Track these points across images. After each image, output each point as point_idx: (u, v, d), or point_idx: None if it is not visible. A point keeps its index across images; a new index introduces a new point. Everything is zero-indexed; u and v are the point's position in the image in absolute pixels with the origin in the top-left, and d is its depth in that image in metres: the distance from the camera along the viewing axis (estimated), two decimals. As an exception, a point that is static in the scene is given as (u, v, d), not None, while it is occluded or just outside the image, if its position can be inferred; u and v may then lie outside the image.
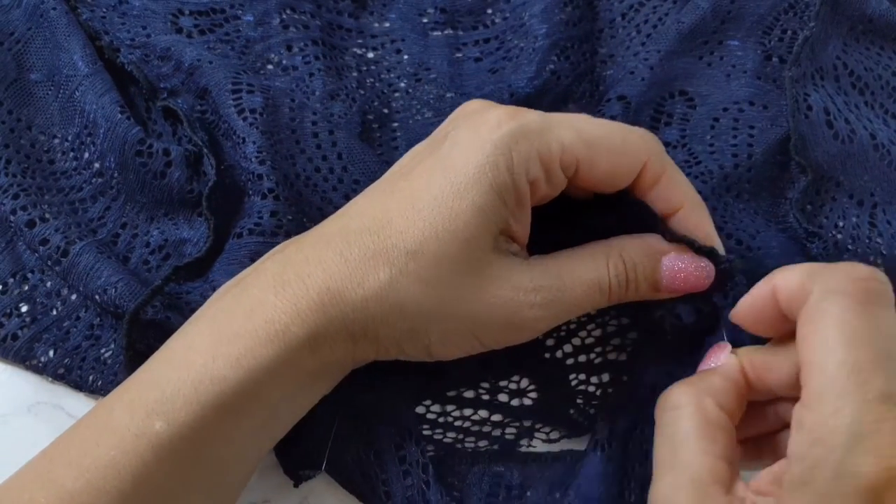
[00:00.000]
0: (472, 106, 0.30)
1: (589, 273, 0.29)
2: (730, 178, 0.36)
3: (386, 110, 0.39)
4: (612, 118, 0.37)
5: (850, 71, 0.39)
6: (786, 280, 0.26)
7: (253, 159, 0.35)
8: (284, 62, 0.39)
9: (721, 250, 0.30)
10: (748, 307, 0.28)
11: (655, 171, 0.29)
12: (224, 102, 0.36)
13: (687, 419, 0.26)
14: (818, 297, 0.24)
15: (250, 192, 0.35)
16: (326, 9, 0.41)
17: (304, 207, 0.35)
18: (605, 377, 0.34)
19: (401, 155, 0.38)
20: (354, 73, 0.40)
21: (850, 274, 0.24)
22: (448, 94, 0.39)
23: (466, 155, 0.28)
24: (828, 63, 0.38)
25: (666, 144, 0.37)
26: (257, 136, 0.35)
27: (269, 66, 0.39)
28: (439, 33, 0.41)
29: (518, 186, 0.28)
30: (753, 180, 0.36)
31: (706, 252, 0.30)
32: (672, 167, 0.30)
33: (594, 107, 0.38)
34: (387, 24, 0.41)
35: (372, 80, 0.40)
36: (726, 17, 0.39)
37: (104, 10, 0.39)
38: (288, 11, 0.40)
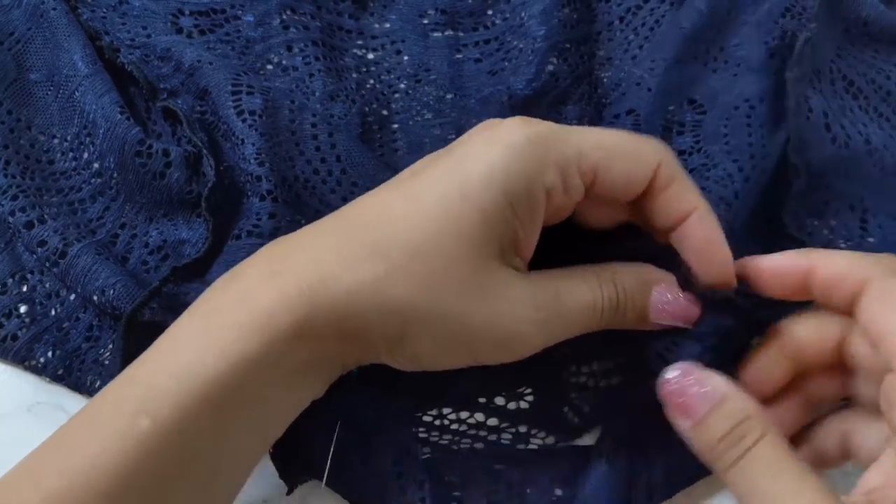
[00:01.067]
0: (489, 122, 0.30)
1: (585, 295, 0.28)
2: (751, 179, 0.35)
3: (386, 112, 0.39)
4: None
5: (843, 75, 0.38)
6: (830, 263, 0.28)
7: (252, 161, 0.35)
8: (284, 63, 0.39)
9: (730, 263, 0.30)
10: (773, 272, 0.29)
11: (667, 175, 0.29)
12: (224, 104, 0.36)
13: (773, 447, 0.26)
14: (883, 279, 0.27)
15: (249, 194, 0.35)
16: (327, 10, 0.41)
17: (303, 209, 0.35)
18: (595, 366, 0.34)
19: (401, 156, 0.38)
20: (354, 75, 0.40)
21: None
22: (448, 96, 0.39)
23: (478, 157, 0.27)
24: (824, 66, 0.38)
25: (680, 153, 0.36)
26: (256, 137, 0.35)
27: (269, 67, 0.39)
28: (440, 34, 0.41)
29: (532, 194, 0.27)
30: (766, 181, 0.35)
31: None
32: (682, 172, 0.30)
33: (595, 111, 0.38)
34: (387, 26, 0.41)
35: (372, 81, 0.40)
36: (726, 17, 0.38)
37: (104, 10, 0.39)
38: (288, 12, 0.40)
